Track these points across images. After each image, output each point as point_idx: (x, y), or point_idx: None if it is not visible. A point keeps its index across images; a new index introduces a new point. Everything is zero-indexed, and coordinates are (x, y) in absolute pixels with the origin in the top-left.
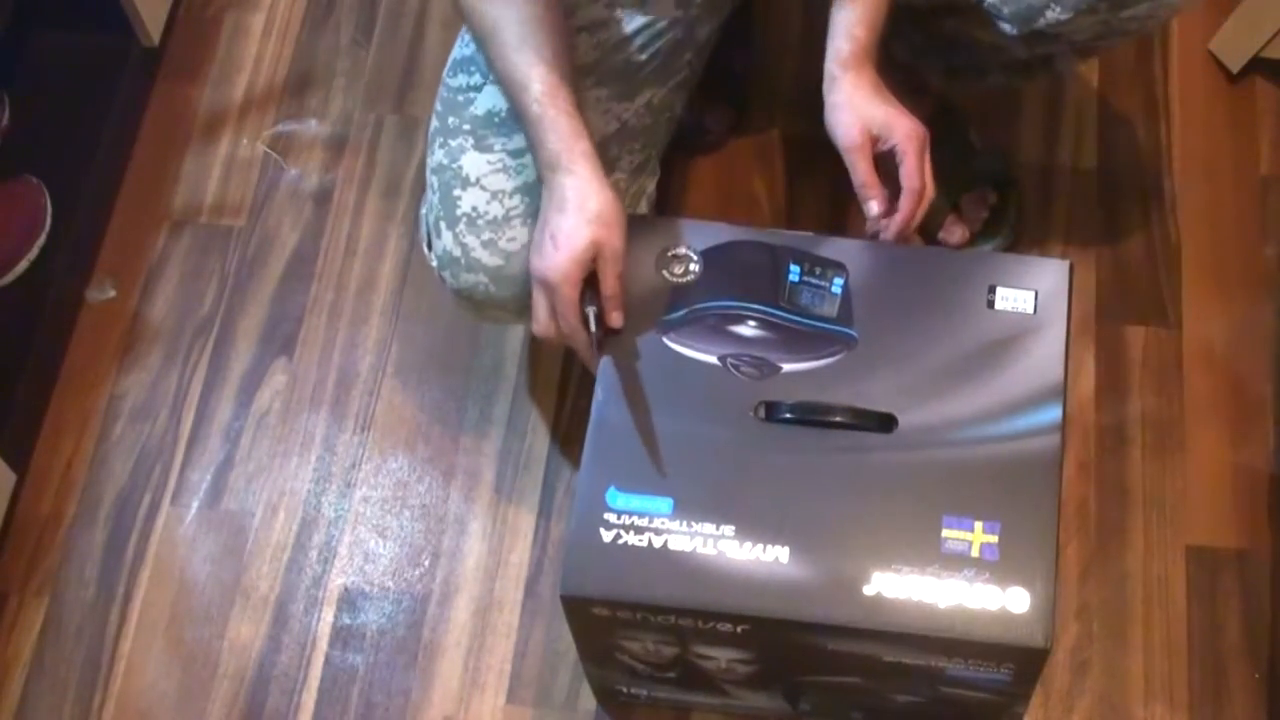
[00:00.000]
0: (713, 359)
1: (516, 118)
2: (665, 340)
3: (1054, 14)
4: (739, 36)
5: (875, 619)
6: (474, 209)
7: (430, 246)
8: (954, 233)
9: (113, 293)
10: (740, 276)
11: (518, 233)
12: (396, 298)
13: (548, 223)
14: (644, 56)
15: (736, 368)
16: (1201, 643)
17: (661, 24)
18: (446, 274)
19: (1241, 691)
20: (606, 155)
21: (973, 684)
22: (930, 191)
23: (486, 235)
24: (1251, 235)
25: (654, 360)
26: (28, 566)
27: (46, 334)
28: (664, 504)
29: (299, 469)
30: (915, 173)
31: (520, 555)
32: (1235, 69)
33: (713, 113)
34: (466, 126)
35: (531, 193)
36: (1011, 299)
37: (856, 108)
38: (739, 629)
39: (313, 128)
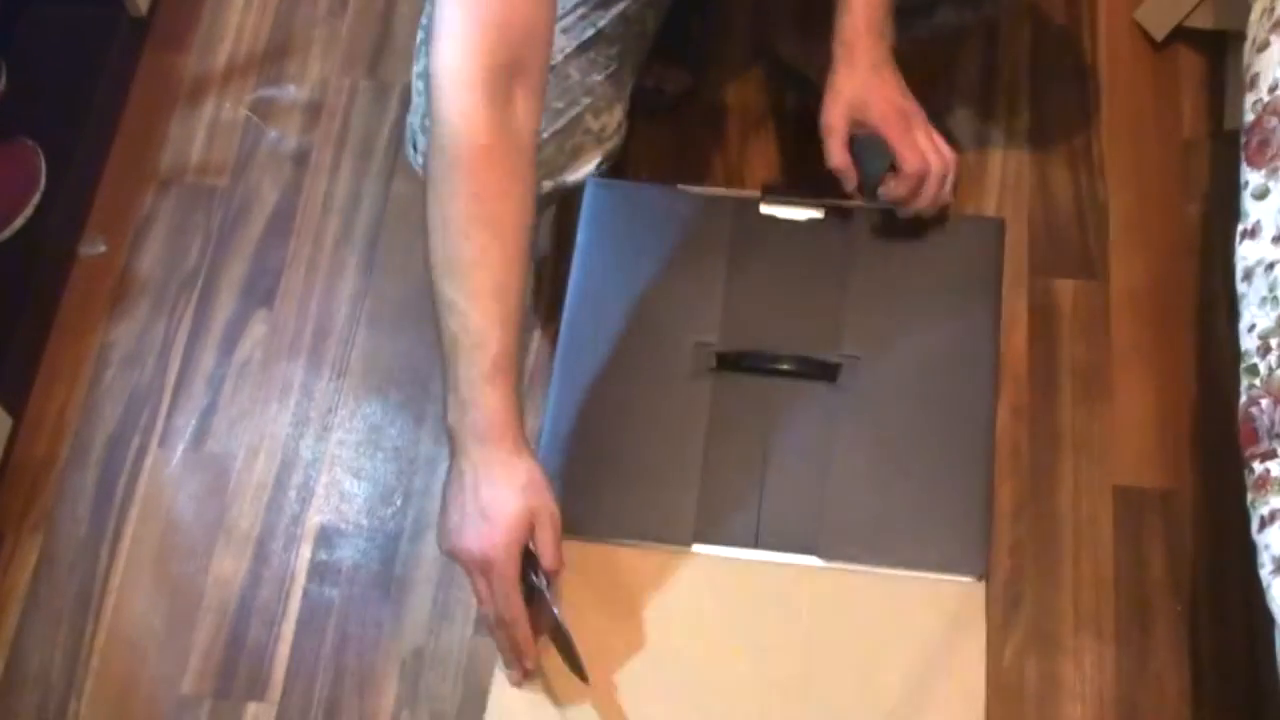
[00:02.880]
0: None
1: (441, 349)
2: None
3: None
4: (696, 1)
5: None
6: None
7: (416, 149)
8: (892, 190)
9: (103, 248)
10: None
11: None
12: (371, 252)
13: (475, 497)
14: None
15: None
16: (1127, 577)
17: None
18: None
19: (1165, 623)
20: (585, 59)
21: None
22: (938, 162)
23: None
24: (1174, 194)
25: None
26: (24, 506)
27: (41, 287)
28: None
29: (279, 414)
30: (907, 154)
31: None
32: (1159, 37)
33: (669, 76)
34: None
35: None
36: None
37: (840, 92)
38: None
39: (291, 93)
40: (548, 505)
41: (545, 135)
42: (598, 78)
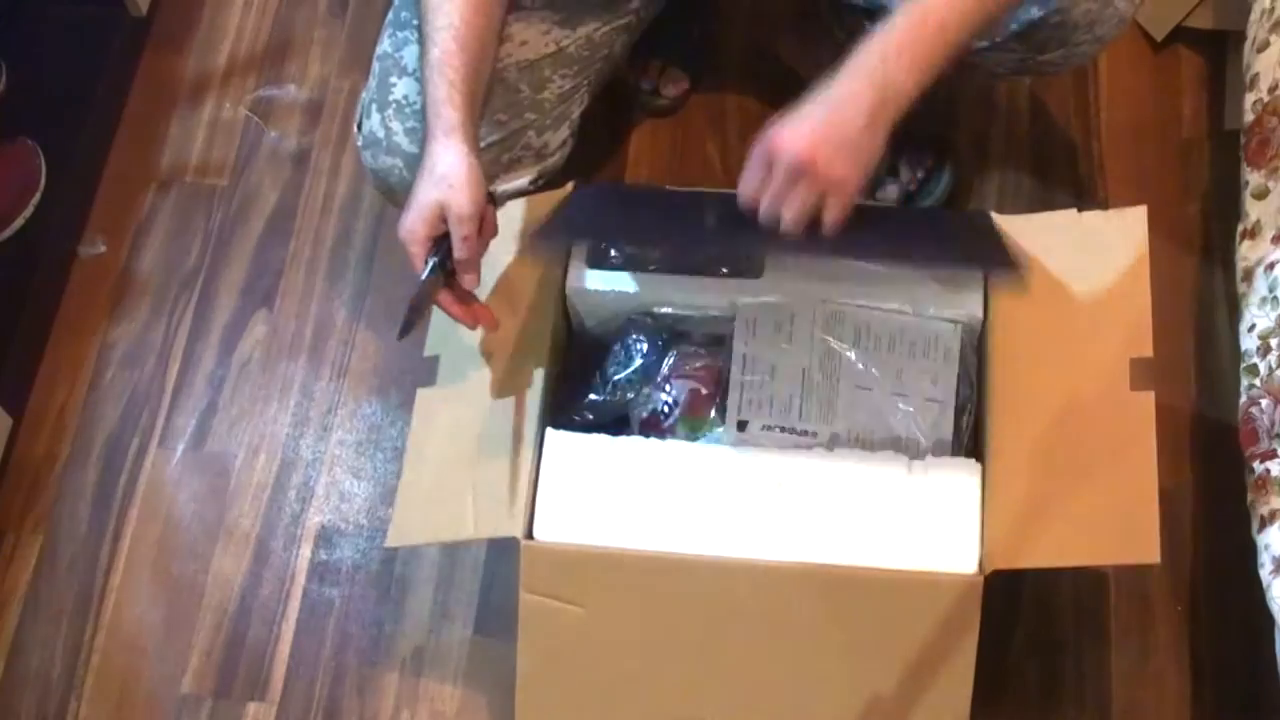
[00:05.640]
0: None
1: None
2: None
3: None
4: (696, 7)
5: None
6: (405, 97)
7: (360, 127)
8: (890, 192)
9: (103, 248)
10: None
11: None
12: (370, 252)
13: (413, 183)
14: None
15: None
16: (1128, 577)
17: None
18: (368, 154)
19: (1165, 624)
20: (538, 76)
21: None
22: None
23: (411, 123)
24: (1174, 194)
25: None
26: (24, 505)
27: (41, 287)
28: None
29: (279, 414)
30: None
31: None
32: (1159, 37)
33: (668, 79)
34: (416, 21)
35: None
36: None
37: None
38: None
39: (291, 93)
40: (457, 201)
41: (483, 144)
42: (547, 96)
